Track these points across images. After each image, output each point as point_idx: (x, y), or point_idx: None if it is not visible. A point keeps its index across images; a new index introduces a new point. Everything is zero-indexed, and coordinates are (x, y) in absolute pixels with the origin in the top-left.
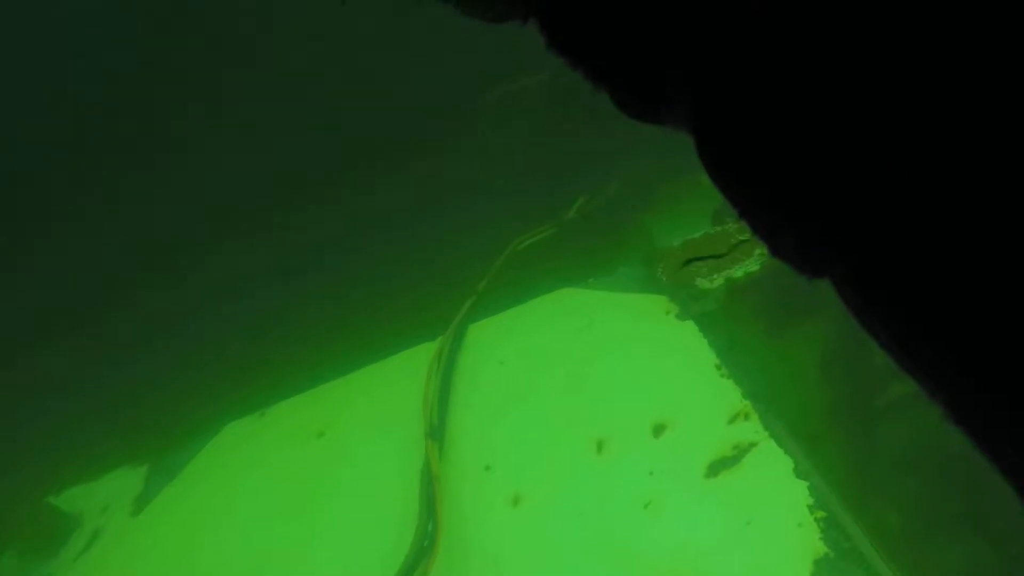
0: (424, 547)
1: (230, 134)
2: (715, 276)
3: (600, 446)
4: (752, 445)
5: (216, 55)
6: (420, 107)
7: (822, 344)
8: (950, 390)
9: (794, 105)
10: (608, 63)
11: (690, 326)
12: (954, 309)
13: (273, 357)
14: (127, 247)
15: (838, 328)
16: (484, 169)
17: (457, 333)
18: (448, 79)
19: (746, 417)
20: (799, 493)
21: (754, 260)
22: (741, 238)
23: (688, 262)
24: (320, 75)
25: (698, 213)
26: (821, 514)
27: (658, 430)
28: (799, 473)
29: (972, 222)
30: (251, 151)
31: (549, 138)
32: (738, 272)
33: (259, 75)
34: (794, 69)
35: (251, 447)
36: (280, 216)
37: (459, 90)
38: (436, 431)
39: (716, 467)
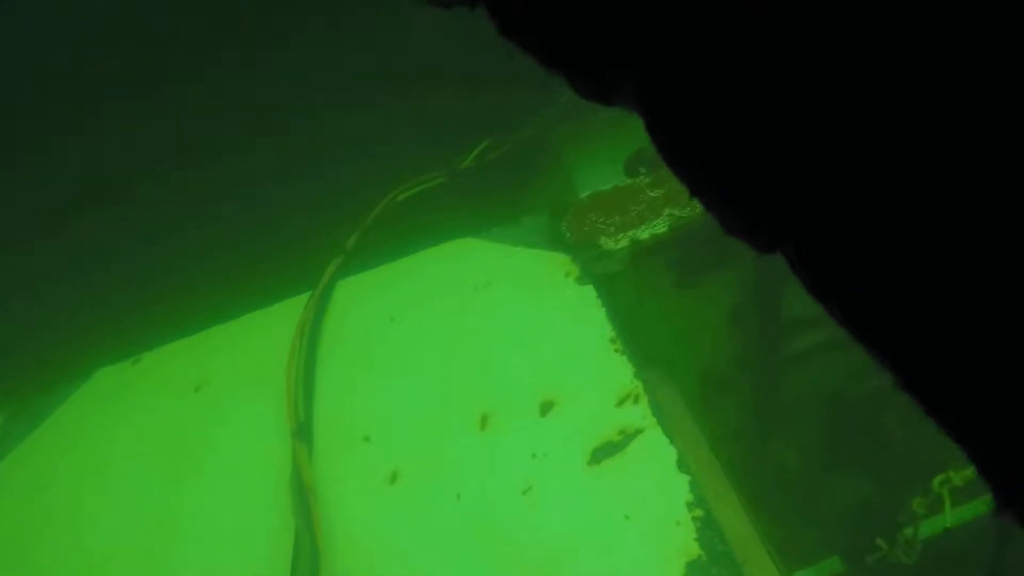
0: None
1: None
2: (620, 236)
3: (484, 421)
4: (638, 431)
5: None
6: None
7: (731, 297)
8: (896, 362)
9: (746, 96)
10: (558, 46)
11: (589, 292)
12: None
13: (150, 302)
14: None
15: (747, 282)
16: (381, 118)
17: (322, 298)
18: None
19: (635, 400)
20: (680, 488)
21: (662, 221)
22: (652, 193)
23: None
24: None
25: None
26: (699, 512)
27: (545, 408)
28: (681, 466)
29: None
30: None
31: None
32: (644, 233)
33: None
34: (749, 61)
35: (124, 397)
36: (160, 169)
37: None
38: (303, 430)
39: (600, 453)
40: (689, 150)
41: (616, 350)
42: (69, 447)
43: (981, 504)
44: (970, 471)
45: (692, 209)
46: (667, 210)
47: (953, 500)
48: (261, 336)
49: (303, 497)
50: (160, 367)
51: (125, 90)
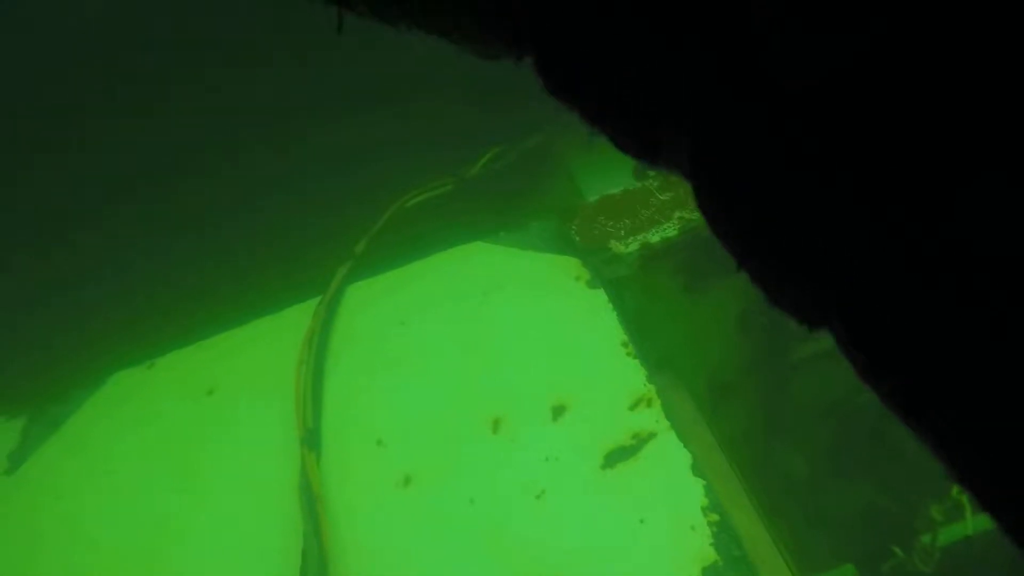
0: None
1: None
2: (631, 239)
3: (496, 425)
4: (652, 435)
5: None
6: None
7: (740, 300)
8: (954, 461)
9: (801, 152)
10: (605, 107)
11: (600, 296)
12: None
13: (164, 307)
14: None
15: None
16: (399, 127)
17: (331, 304)
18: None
19: (648, 403)
20: (695, 492)
21: (672, 224)
22: (662, 197)
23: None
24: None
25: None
26: (714, 517)
27: (557, 412)
28: (696, 471)
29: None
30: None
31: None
32: (654, 236)
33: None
34: (799, 120)
35: (139, 401)
36: (173, 176)
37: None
38: (312, 437)
39: (613, 457)
40: (741, 221)
41: (628, 354)
42: (86, 451)
43: None
44: None
45: None
46: (677, 213)
47: (973, 507)
48: (273, 341)
49: (311, 504)
50: (174, 372)
51: (137, 95)
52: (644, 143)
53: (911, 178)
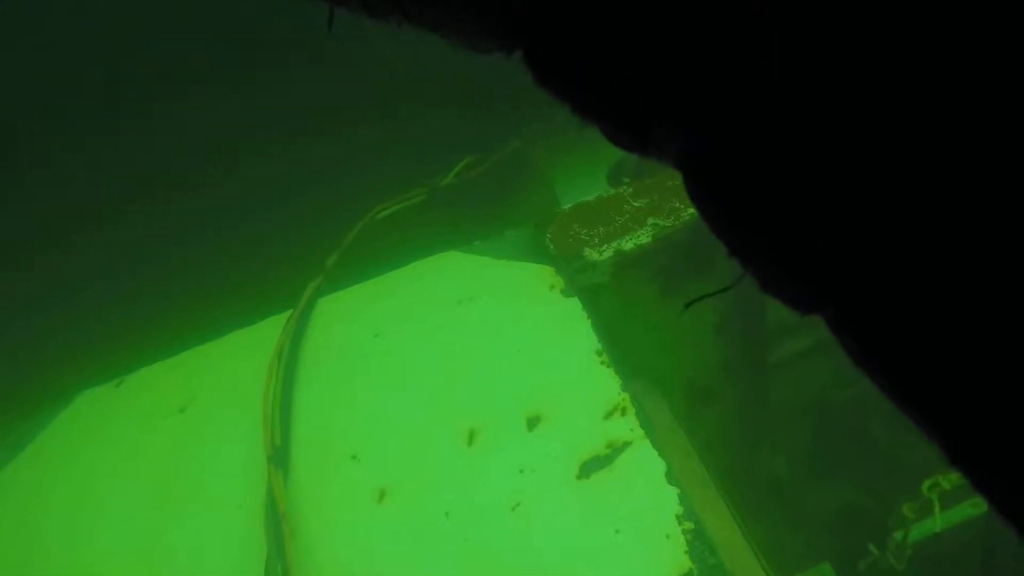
0: None
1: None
2: (604, 247)
3: (472, 437)
4: (627, 444)
5: None
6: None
7: (716, 305)
8: (944, 432)
9: (791, 155)
10: (597, 100)
11: (575, 304)
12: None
13: (133, 324)
14: None
15: (731, 291)
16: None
17: (301, 319)
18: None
19: (623, 412)
20: (670, 500)
21: (645, 231)
22: (635, 204)
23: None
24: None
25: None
26: (689, 525)
27: (532, 422)
28: (670, 478)
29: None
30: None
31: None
32: (628, 244)
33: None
34: (787, 126)
35: (108, 421)
36: (140, 194)
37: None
38: (279, 455)
39: (588, 467)
40: (733, 213)
41: (602, 362)
42: (52, 471)
43: (970, 507)
44: (958, 476)
45: (675, 219)
46: (651, 220)
47: (942, 504)
48: (245, 355)
49: (276, 523)
50: (144, 389)
51: (104, 118)
52: (635, 136)
53: (892, 179)
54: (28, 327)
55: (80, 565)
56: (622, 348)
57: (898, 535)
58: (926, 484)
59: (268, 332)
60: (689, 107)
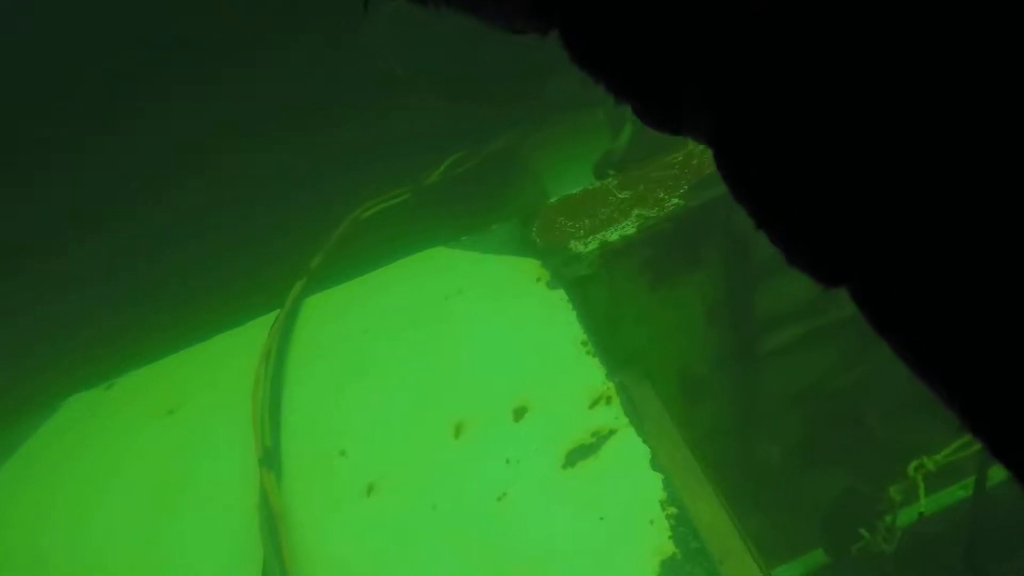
0: None
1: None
2: (590, 239)
3: (458, 429)
4: (611, 432)
5: None
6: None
7: (705, 295)
8: (964, 402)
9: (795, 127)
10: (630, 78)
11: (560, 296)
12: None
13: (121, 326)
14: None
15: (722, 280)
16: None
17: (287, 320)
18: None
19: (608, 401)
20: (653, 486)
21: (630, 222)
22: (620, 195)
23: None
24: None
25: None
26: (672, 510)
27: (519, 413)
28: (655, 465)
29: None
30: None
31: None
32: (613, 235)
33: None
34: (796, 91)
35: (98, 423)
36: (124, 198)
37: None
38: (270, 456)
39: (574, 456)
40: (760, 188)
41: (588, 352)
42: (42, 477)
43: (957, 489)
44: (943, 456)
45: (660, 209)
46: (635, 211)
47: (928, 485)
48: (235, 355)
49: (272, 524)
50: (133, 392)
51: (85, 119)
52: (668, 114)
53: (894, 161)
54: (17, 332)
55: (77, 569)
56: (610, 339)
57: (887, 518)
58: (912, 466)
59: (258, 332)
60: (709, 78)
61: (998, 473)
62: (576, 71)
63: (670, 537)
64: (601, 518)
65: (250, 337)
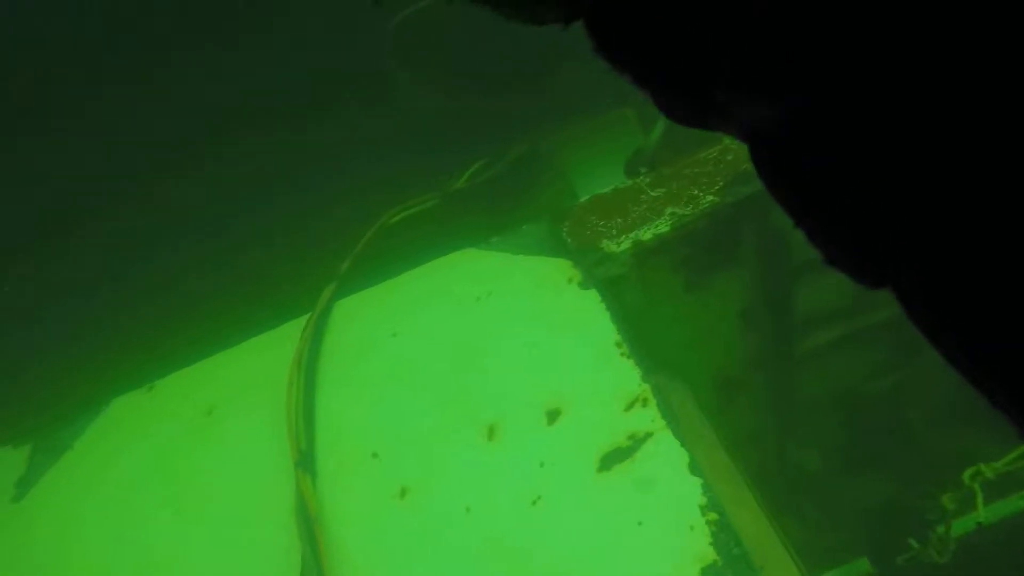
0: None
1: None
2: (622, 238)
3: (492, 432)
4: (648, 435)
5: None
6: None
7: (742, 295)
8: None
9: (842, 122)
10: (657, 69)
11: (593, 296)
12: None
13: (164, 327)
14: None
15: (758, 279)
16: (394, 126)
17: (319, 324)
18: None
19: (644, 404)
20: (693, 491)
21: (664, 220)
22: (653, 193)
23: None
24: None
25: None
26: (713, 516)
27: (552, 416)
28: (693, 469)
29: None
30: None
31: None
32: (646, 234)
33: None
34: (843, 85)
35: (140, 424)
36: (159, 187)
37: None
38: (306, 459)
39: (609, 459)
40: (806, 182)
41: (622, 354)
42: (90, 477)
43: (1019, 499)
44: (1002, 464)
45: (694, 207)
46: (669, 209)
47: (986, 494)
48: (272, 356)
49: (309, 526)
50: (173, 393)
51: (124, 100)
52: (695, 108)
53: (949, 164)
54: (60, 336)
55: (119, 566)
56: (645, 340)
57: (940, 528)
58: (968, 473)
59: (287, 336)
60: (754, 65)
61: None
62: (600, 61)
63: (711, 543)
64: (639, 523)
65: (283, 340)
